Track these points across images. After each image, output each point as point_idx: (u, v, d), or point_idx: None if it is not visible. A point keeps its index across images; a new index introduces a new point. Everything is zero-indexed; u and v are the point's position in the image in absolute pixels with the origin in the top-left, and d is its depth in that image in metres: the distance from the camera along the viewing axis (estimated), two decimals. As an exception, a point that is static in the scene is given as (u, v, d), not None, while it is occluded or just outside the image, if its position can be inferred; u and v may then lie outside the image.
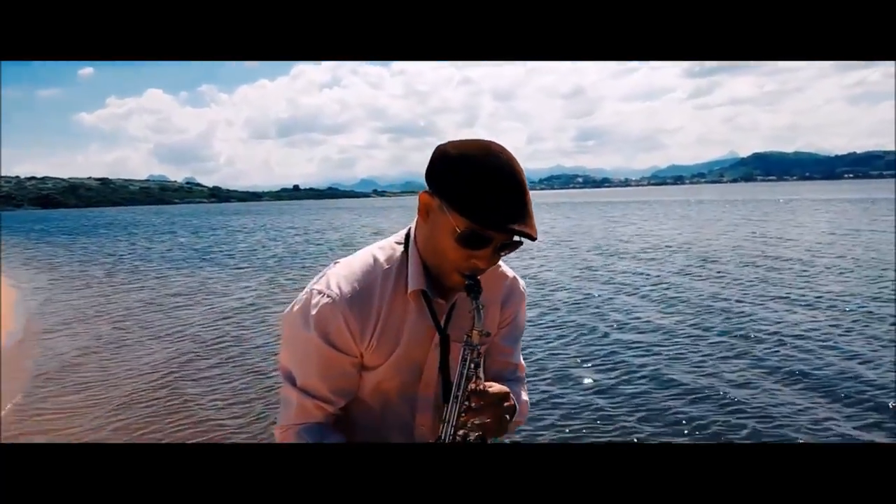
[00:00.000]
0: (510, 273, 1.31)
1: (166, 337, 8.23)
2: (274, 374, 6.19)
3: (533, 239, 1.07)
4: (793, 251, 15.47)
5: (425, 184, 1.13)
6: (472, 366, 1.12)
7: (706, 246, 17.65)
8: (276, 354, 7.04)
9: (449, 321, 1.21)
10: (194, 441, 4.62)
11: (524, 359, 1.40)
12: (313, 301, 1.14)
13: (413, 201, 1.18)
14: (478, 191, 1.04)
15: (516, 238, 1.09)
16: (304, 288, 1.19)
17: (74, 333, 8.57)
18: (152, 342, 7.94)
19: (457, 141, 1.13)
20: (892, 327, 7.40)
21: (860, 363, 6.09)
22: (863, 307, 8.50)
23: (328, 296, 1.13)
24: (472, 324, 1.12)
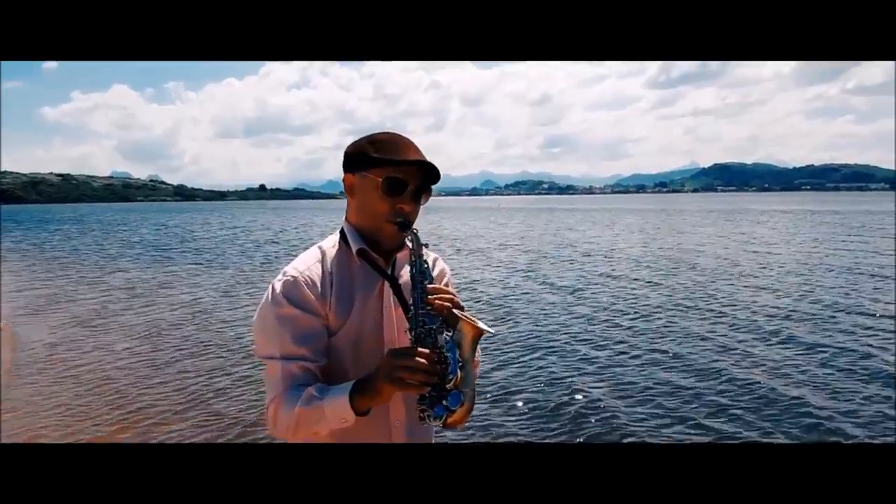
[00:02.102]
0: (433, 254, 1.47)
1: (125, 333, 8.39)
2: (234, 369, 6.54)
3: (436, 172, 1.35)
4: (765, 258, 16.55)
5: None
6: (421, 268, 1.29)
7: (670, 253, 18.76)
8: (237, 350, 7.38)
9: (393, 276, 1.40)
10: (160, 440, 4.67)
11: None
12: (276, 286, 1.32)
13: None
14: (385, 147, 1.34)
15: (424, 183, 1.36)
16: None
17: (31, 328, 8.67)
18: (111, 337, 8.12)
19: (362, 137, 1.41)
20: (893, 326, 7.58)
21: (859, 364, 6.20)
22: (849, 308, 9.04)
23: (287, 275, 1.32)
24: (413, 243, 1.31)
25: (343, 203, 1.42)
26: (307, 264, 1.35)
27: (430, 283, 1.29)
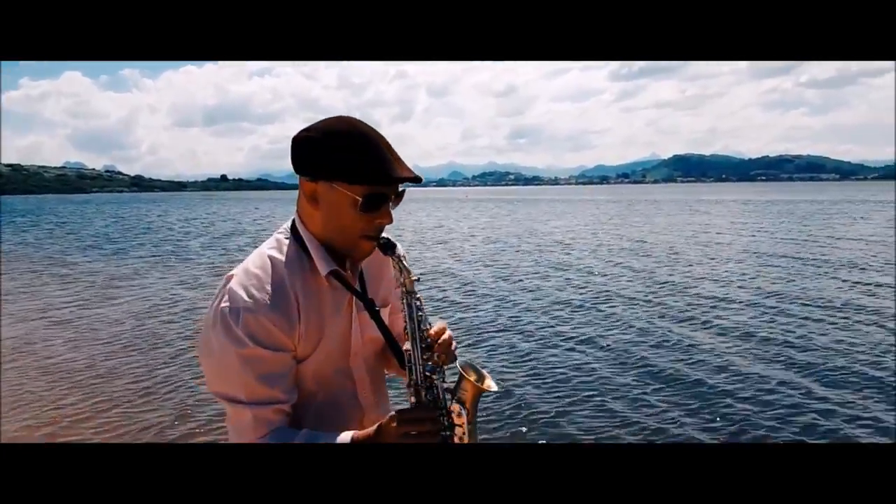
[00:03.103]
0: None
1: (77, 328, 8.20)
2: (185, 362, 6.46)
3: (420, 180, 1.21)
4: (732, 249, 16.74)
5: (295, 170, 1.20)
6: (419, 311, 1.19)
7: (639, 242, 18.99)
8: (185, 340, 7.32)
9: (364, 290, 1.28)
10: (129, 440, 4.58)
11: None
12: (231, 318, 1.11)
13: None
14: (363, 157, 1.12)
15: (402, 188, 1.20)
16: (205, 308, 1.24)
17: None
18: (65, 333, 7.94)
19: (312, 125, 1.18)
20: (892, 325, 7.44)
21: (859, 364, 6.08)
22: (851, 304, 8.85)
23: (245, 308, 1.11)
24: (402, 274, 1.19)
25: None
26: (265, 288, 1.13)
27: (428, 325, 1.20)
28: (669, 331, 7.66)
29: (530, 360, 6.55)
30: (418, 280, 1.20)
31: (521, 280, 11.93)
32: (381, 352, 1.34)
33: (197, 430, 4.78)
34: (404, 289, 1.19)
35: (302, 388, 1.21)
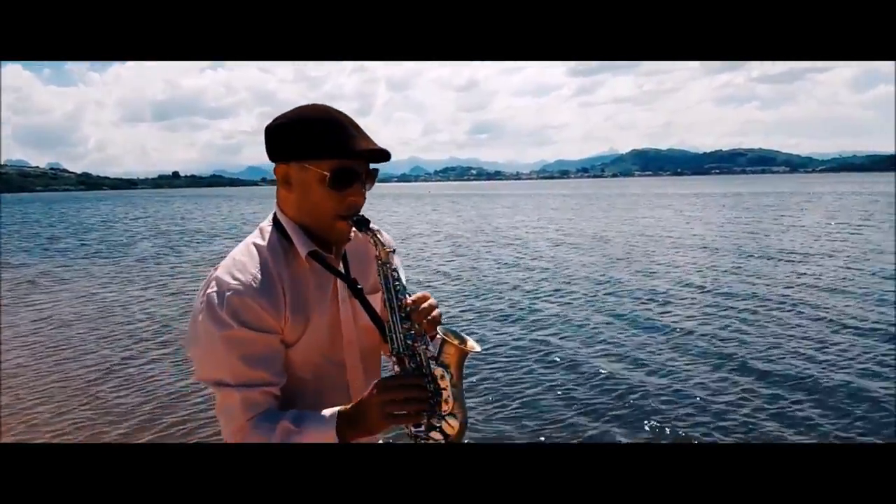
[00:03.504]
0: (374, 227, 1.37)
1: (17, 330, 7.92)
2: (132, 361, 6.39)
3: (388, 156, 1.19)
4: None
5: (271, 159, 1.22)
6: (395, 281, 1.17)
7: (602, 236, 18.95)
8: (135, 342, 7.15)
9: (347, 274, 1.26)
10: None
11: None
12: (217, 301, 1.12)
13: None
14: (328, 133, 1.15)
15: (373, 166, 1.20)
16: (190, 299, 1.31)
17: None
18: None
19: (283, 113, 1.21)
20: (892, 326, 7.34)
21: (856, 364, 6.00)
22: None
23: (230, 289, 1.12)
24: (377, 247, 1.17)
25: (266, 190, 1.26)
26: (251, 272, 1.15)
27: (405, 295, 1.19)
28: (611, 325, 7.71)
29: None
30: (394, 251, 1.20)
31: (481, 275, 11.64)
32: (378, 342, 1.32)
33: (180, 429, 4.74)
34: (380, 261, 1.18)
35: (292, 376, 1.21)
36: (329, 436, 1.11)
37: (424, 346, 1.17)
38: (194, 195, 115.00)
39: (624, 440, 4.43)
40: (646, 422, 4.73)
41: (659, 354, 6.39)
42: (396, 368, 1.18)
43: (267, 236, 1.22)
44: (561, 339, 7.10)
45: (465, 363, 1.19)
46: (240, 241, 1.24)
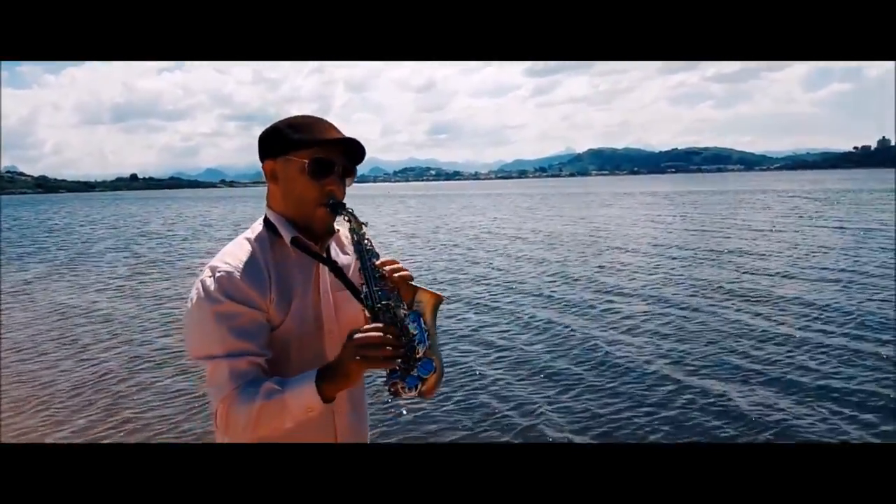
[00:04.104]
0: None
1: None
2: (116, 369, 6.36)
3: (361, 148, 1.32)
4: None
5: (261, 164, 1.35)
6: (368, 246, 1.27)
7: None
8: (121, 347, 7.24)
9: (332, 260, 1.36)
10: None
11: None
12: (207, 282, 1.22)
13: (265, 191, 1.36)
14: (307, 129, 1.29)
15: (349, 164, 1.33)
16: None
17: None
18: None
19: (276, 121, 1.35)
20: (892, 325, 7.36)
21: (855, 364, 5.99)
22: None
23: (220, 270, 1.23)
24: (351, 223, 1.28)
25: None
26: (240, 258, 1.27)
27: (377, 258, 1.28)
28: (568, 322, 8.01)
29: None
30: (366, 224, 1.30)
31: (440, 271, 12.49)
32: None
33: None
34: (355, 236, 1.28)
35: (279, 358, 1.28)
36: (309, 389, 1.15)
37: (398, 304, 1.22)
38: (155, 197, 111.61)
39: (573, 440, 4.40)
40: (642, 422, 4.77)
41: (648, 353, 6.46)
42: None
43: (256, 231, 1.34)
44: (512, 331, 7.44)
45: (437, 322, 1.24)
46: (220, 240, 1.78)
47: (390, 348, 1.14)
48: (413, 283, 1.26)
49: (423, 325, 1.21)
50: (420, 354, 1.19)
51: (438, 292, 1.25)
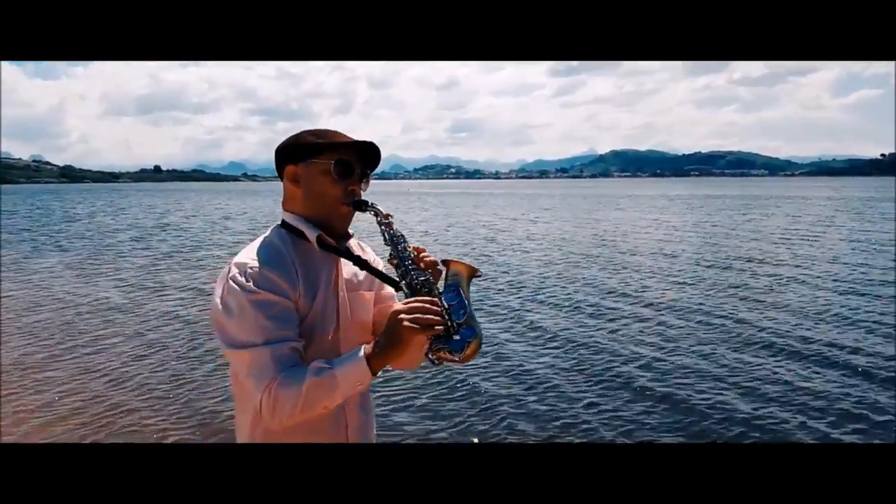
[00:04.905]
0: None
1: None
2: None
3: (378, 151, 1.41)
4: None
5: (279, 172, 1.43)
6: (401, 237, 1.39)
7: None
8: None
9: (358, 257, 1.44)
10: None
11: None
12: (241, 276, 1.27)
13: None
14: (327, 135, 1.39)
15: (367, 167, 1.42)
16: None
17: None
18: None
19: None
20: (892, 325, 7.39)
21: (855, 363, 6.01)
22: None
23: (251, 266, 1.28)
24: (378, 216, 1.39)
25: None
26: (268, 254, 1.33)
27: (410, 249, 1.38)
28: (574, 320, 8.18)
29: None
30: (389, 216, 1.40)
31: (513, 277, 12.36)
32: (364, 338, 1.46)
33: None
34: (383, 226, 1.39)
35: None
36: (359, 363, 1.22)
37: (433, 280, 1.34)
38: (179, 189, 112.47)
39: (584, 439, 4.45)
40: (640, 421, 4.79)
41: (654, 351, 6.53)
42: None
43: (276, 232, 1.40)
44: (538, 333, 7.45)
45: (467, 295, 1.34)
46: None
47: (436, 315, 1.24)
48: (442, 261, 1.37)
49: (462, 294, 1.33)
50: (462, 321, 1.29)
51: (472, 265, 1.36)
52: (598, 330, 7.62)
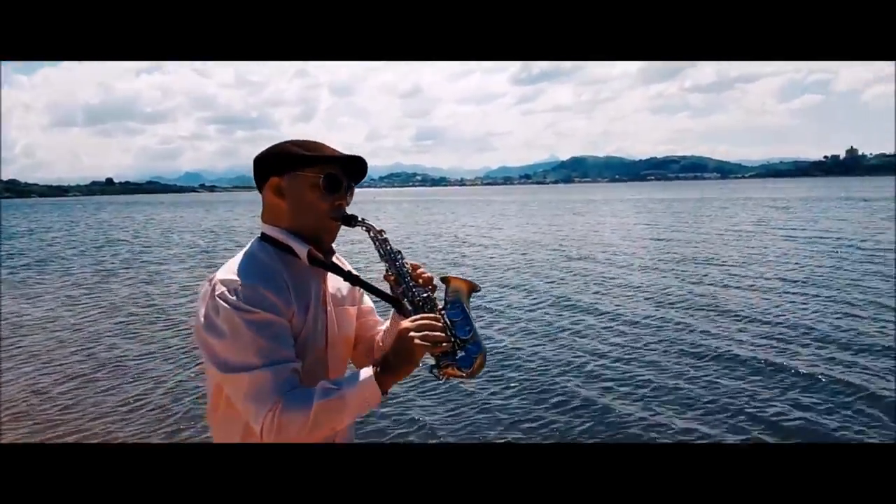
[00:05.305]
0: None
1: None
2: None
3: (365, 165, 1.38)
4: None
5: (259, 182, 1.36)
6: (399, 254, 1.37)
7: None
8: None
9: (350, 272, 1.42)
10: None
11: None
12: (233, 296, 1.19)
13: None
14: (314, 147, 1.33)
15: (351, 184, 1.38)
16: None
17: None
18: None
19: (270, 146, 1.38)
20: (892, 324, 7.38)
21: (856, 363, 6.02)
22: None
23: (242, 284, 1.21)
24: (371, 232, 1.36)
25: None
26: (257, 270, 1.26)
27: (408, 266, 1.37)
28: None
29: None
30: (382, 231, 1.37)
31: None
32: (347, 354, 1.48)
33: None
34: (378, 242, 1.37)
35: None
36: (369, 383, 1.19)
37: (434, 297, 1.34)
38: (132, 202, 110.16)
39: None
40: (633, 423, 4.79)
41: (647, 354, 6.56)
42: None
43: (258, 247, 1.33)
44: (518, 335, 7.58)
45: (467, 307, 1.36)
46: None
47: (443, 333, 1.25)
48: (439, 278, 1.38)
49: (465, 310, 1.33)
50: (468, 337, 1.30)
51: (472, 280, 1.37)
52: (560, 332, 7.71)
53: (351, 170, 1.38)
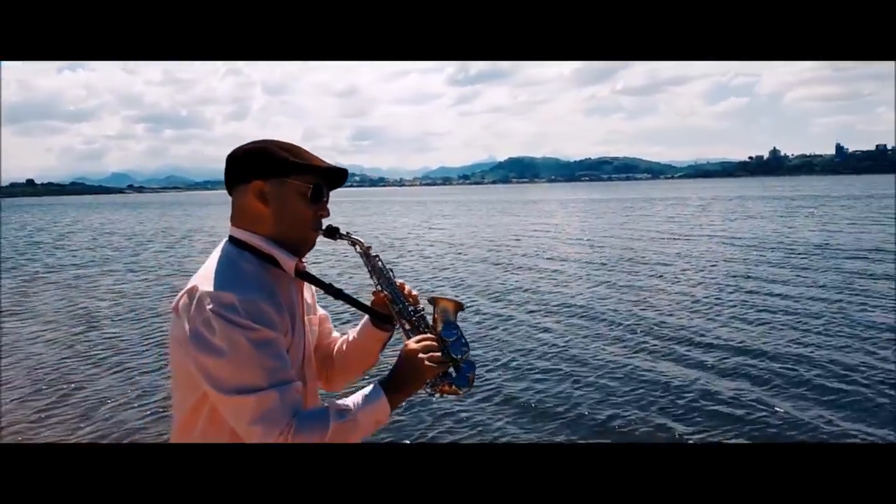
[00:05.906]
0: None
1: None
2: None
3: (345, 174, 1.36)
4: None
5: (235, 183, 1.28)
6: (389, 270, 1.39)
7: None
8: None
9: (338, 289, 1.40)
10: None
11: None
12: (228, 312, 1.12)
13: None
14: (303, 154, 1.28)
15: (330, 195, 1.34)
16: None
17: None
18: None
19: (244, 143, 1.32)
20: (892, 323, 7.37)
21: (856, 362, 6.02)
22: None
23: (238, 298, 1.13)
24: (356, 246, 1.37)
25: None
26: (246, 281, 1.19)
27: (394, 275, 1.40)
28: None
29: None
30: (370, 247, 1.39)
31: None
32: (316, 366, 1.47)
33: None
34: (366, 257, 1.38)
35: None
36: (382, 402, 1.21)
37: (424, 315, 1.37)
38: (55, 203, 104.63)
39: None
40: (629, 422, 4.82)
41: (641, 353, 6.63)
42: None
43: (236, 253, 1.26)
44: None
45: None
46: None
47: (443, 357, 1.30)
48: (427, 298, 1.40)
49: (459, 330, 1.36)
50: (463, 356, 1.34)
51: (457, 300, 1.40)
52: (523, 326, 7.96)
53: (332, 181, 1.35)
